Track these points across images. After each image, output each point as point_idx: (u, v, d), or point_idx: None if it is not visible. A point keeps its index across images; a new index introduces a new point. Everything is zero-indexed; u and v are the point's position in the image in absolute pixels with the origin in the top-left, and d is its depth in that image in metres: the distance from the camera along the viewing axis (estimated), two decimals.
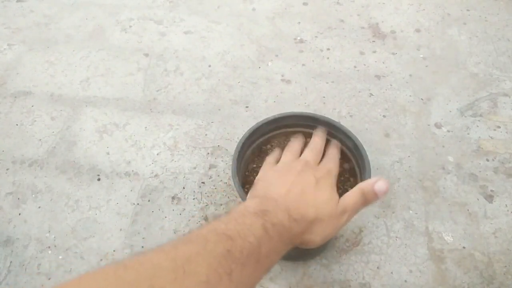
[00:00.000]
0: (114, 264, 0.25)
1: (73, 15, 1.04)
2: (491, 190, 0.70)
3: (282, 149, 0.62)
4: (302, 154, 0.50)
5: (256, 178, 0.47)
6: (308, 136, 0.63)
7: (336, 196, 0.43)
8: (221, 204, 0.68)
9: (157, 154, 0.75)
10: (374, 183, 0.42)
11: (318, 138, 0.55)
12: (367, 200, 0.42)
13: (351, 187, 0.58)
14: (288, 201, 0.38)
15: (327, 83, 0.87)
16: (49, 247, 0.63)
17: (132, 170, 0.73)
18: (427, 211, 0.68)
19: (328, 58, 0.93)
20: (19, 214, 0.67)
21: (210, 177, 0.72)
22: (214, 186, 0.71)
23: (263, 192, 0.41)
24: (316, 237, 0.39)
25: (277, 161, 0.51)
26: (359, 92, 0.86)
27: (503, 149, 0.76)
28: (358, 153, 0.56)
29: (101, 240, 0.64)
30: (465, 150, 0.76)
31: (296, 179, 0.42)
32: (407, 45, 0.96)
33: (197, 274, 0.26)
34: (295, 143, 0.54)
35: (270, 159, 0.52)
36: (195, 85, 0.87)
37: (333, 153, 0.53)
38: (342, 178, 0.59)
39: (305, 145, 0.61)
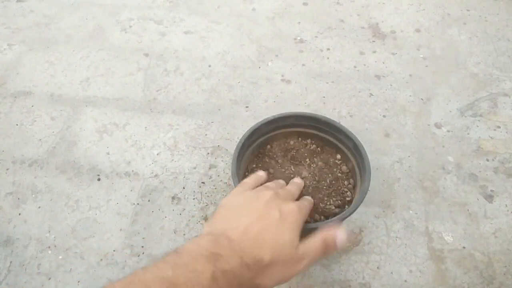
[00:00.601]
0: None
1: (73, 15, 1.04)
2: (491, 190, 0.70)
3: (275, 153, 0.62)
4: (274, 186, 0.48)
5: (223, 201, 0.44)
6: (306, 136, 0.63)
7: (297, 239, 0.40)
8: None
9: (157, 154, 0.75)
10: (336, 234, 0.41)
11: (294, 185, 0.52)
12: (327, 249, 0.41)
13: (350, 189, 0.58)
14: (243, 242, 0.36)
15: (327, 83, 0.87)
16: (49, 247, 0.63)
17: (132, 170, 0.73)
18: (427, 211, 0.68)
19: (328, 58, 0.93)
20: (19, 214, 0.67)
21: (210, 177, 0.72)
22: (214, 186, 0.71)
23: (221, 226, 0.38)
24: (268, 281, 0.37)
25: (257, 186, 0.49)
26: (359, 92, 0.86)
27: (503, 149, 0.76)
28: (358, 153, 0.56)
29: (101, 240, 0.64)
30: (465, 150, 0.76)
31: (259, 213, 0.39)
32: (407, 45, 0.96)
33: None
34: (273, 184, 0.51)
35: (249, 180, 0.50)
36: (195, 85, 0.87)
37: (306, 201, 0.50)
38: (341, 178, 0.59)
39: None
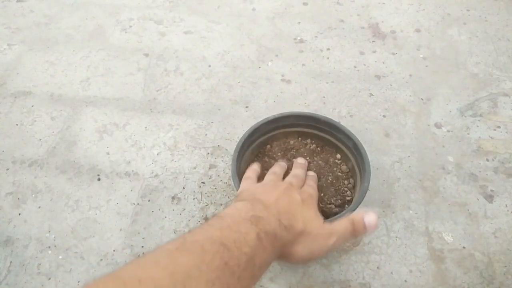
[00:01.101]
0: (112, 278, 0.24)
1: (73, 15, 1.04)
2: (491, 190, 0.70)
3: (275, 152, 0.62)
4: (285, 178, 0.50)
5: (239, 190, 0.46)
6: (306, 136, 0.63)
7: (321, 218, 0.42)
8: (221, 204, 0.68)
9: (157, 154, 0.75)
10: (365, 215, 0.42)
11: (300, 168, 0.54)
12: (356, 231, 0.42)
13: (350, 189, 0.58)
14: (278, 207, 0.38)
15: (327, 83, 0.87)
16: (49, 247, 0.63)
17: (132, 170, 0.73)
18: (427, 211, 0.68)
19: (328, 58, 0.93)
20: (19, 214, 0.67)
21: (210, 177, 0.72)
22: (214, 186, 0.71)
23: (253, 195, 0.40)
24: (303, 249, 0.38)
25: (257, 177, 0.50)
26: (359, 92, 0.86)
27: (503, 149, 0.76)
28: (358, 153, 0.56)
29: (101, 240, 0.64)
30: (465, 150, 0.76)
31: (282, 194, 0.41)
32: (407, 45, 0.96)
33: None
34: (277, 168, 0.53)
35: (249, 173, 0.51)
36: (195, 85, 0.87)
37: (313, 181, 0.52)
38: (341, 177, 0.59)
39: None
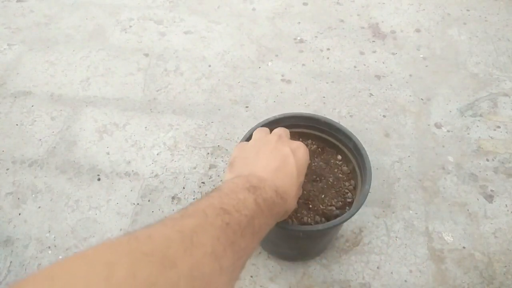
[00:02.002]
0: (125, 236, 0.25)
1: (73, 15, 1.04)
2: (491, 190, 0.70)
3: None
4: (273, 131, 0.50)
5: (232, 157, 0.47)
6: (306, 137, 0.63)
7: (305, 169, 0.45)
8: None
9: (157, 154, 0.75)
10: None
11: (281, 129, 0.54)
12: None
13: (351, 190, 0.58)
14: (274, 179, 0.39)
15: (327, 83, 0.87)
16: (49, 247, 0.63)
17: (132, 170, 0.73)
18: (427, 211, 0.68)
19: (328, 58, 0.93)
20: (19, 214, 0.67)
21: (210, 177, 0.72)
22: (214, 186, 0.71)
23: (245, 170, 0.41)
24: (292, 205, 0.42)
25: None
26: (359, 92, 0.86)
27: (503, 149, 0.76)
28: (358, 153, 0.56)
29: (101, 240, 0.64)
30: (465, 150, 0.76)
31: (273, 153, 0.43)
32: (407, 45, 0.96)
33: (204, 246, 0.27)
34: (263, 129, 0.54)
35: (240, 141, 0.53)
36: (195, 85, 0.87)
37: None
38: (341, 178, 0.59)
39: None
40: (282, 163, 0.41)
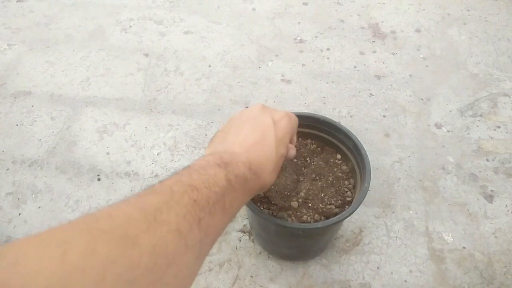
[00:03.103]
0: (84, 216, 0.24)
1: (73, 15, 1.04)
2: (491, 190, 0.70)
3: None
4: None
5: (218, 130, 0.46)
6: (306, 136, 0.63)
7: (286, 143, 0.43)
8: None
9: (157, 154, 0.75)
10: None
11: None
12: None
13: (350, 189, 0.58)
14: (248, 154, 0.38)
15: (327, 83, 0.87)
16: None
17: (132, 170, 0.73)
18: (427, 211, 0.68)
19: (328, 58, 0.93)
20: (19, 214, 0.67)
21: None
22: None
23: (221, 146, 0.40)
24: (269, 178, 0.40)
25: None
26: (359, 92, 0.86)
27: (503, 149, 0.76)
28: (358, 153, 0.56)
29: None
30: (465, 150, 0.76)
31: (253, 123, 0.41)
32: (407, 45, 0.96)
33: (168, 223, 0.26)
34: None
35: None
36: (195, 85, 0.87)
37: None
38: (341, 178, 0.59)
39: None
40: (260, 136, 0.40)
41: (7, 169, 0.73)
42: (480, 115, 0.82)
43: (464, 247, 0.63)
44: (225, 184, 0.32)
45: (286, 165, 0.60)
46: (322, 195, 0.56)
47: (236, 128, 0.42)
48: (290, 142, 0.46)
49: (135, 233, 0.24)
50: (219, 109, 0.82)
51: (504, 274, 0.61)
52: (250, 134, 0.40)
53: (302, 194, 0.56)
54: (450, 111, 0.82)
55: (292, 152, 0.45)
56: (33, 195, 0.69)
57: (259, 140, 0.40)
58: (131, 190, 0.70)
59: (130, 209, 0.26)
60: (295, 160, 0.61)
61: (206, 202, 0.30)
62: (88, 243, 0.21)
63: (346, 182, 0.58)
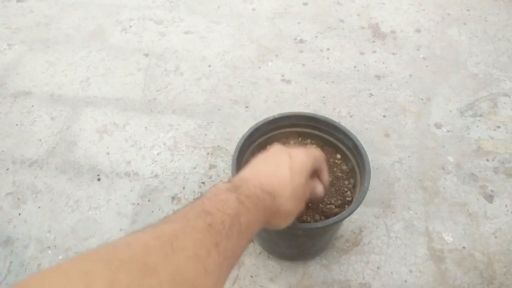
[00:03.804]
0: (102, 246, 0.25)
1: (73, 15, 1.04)
2: (491, 190, 0.70)
3: None
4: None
5: None
6: (306, 136, 0.63)
7: (303, 178, 0.42)
8: None
9: (157, 154, 0.75)
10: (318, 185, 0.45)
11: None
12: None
13: (350, 189, 0.58)
14: (260, 177, 0.39)
15: (327, 83, 0.87)
16: (49, 247, 0.63)
17: (132, 170, 0.73)
18: (427, 211, 0.68)
19: (328, 58, 0.93)
20: (19, 214, 0.67)
21: (210, 177, 0.72)
22: (214, 186, 0.71)
23: (235, 178, 0.41)
24: (286, 204, 0.39)
25: None
26: (359, 92, 0.86)
27: (503, 149, 0.76)
28: (358, 153, 0.56)
29: (101, 240, 0.64)
30: (465, 150, 0.76)
31: (269, 160, 0.42)
32: (407, 45, 0.96)
33: (186, 249, 0.26)
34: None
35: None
36: (195, 85, 0.87)
37: (317, 149, 0.51)
38: (341, 177, 0.59)
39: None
40: (274, 167, 0.41)
41: (7, 169, 0.73)
42: (480, 115, 0.82)
43: (464, 247, 0.63)
44: (238, 205, 0.33)
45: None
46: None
47: (252, 165, 0.42)
48: (320, 179, 0.46)
49: (154, 262, 0.24)
50: (219, 109, 0.82)
51: (504, 274, 0.61)
52: (264, 166, 0.41)
53: None
54: (450, 111, 0.82)
55: (319, 188, 0.45)
56: (33, 195, 0.69)
57: (272, 171, 0.40)
58: (131, 190, 0.70)
59: (147, 237, 0.26)
60: None
61: (221, 225, 0.30)
62: (110, 274, 0.22)
63: (346, 182, 0.58)
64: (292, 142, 0.63)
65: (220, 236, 0.29)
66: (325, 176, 0.47)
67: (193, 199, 0.33)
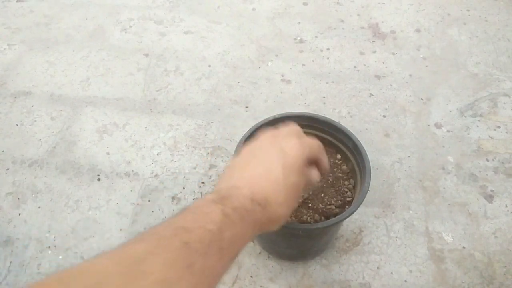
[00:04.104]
0: (57, 275, 0.23)
1: (73, 15, 1.04)
2: (491, 190, 0.70)
3: None
4: (276, 130, 0.45)
5: (227, 165, 0.44)
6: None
7: (297, 175, 0.39)
8: None
9: (157, 154, 0.75)
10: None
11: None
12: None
13: (350, 189, 0.58)
14: (251, 183, 0.36)
15: (327, 83, 0.87)
16: (49, 247, 0.63)
17: (132, 170, 0.73)
18: (427, 211, 0.68)
19: (328, 58, 0.93)
20: (19, 214, 0.67)
21: (210, 177, 0.72)
22: (214, 186, 0.71)
23: (225, 184, 0.38)
24: (280, 210, 0.36)
25: None
26: (359, 92, 0.86)
27: (503, 149, 0.76)
28: (358, 153, 0.56)
29: (101, 240, 0.64)
30: (465, 150, 0.76)
31: (260, 158, 0.39)
32: (407, 45, 0.96)
33: (152, 274, 0.24)
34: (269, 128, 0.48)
35: (239, 141, 0.49)
36: (195, 85, 0.87)
37: (313, 139, 0.46)
38: (341, 177, 0.59)
39: None
40: (266, 168, 0.37)
41: (7, 169, 0.73)
42: (480, 115, 0.82)
43: (464, 247, 0.63)
44: (222, 218, 0.30)
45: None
46: (322, 195, 0.56)
47: (242, 163, 0.39)
48: (316, 164, 0.43)
49: None
50: (219, 109, 0.82)
51: (504, 274, 0.61)
52: (255, 167, 0.38)
53: (301, 194, 0.56)
54: (450, 111, 0.82)
55: (314, 175, 0.42)
56: (33, 195, 0.69)
57: (264, 173, 0.37)
58: (131, 190, 0.70)
59: (106, 263, 0.24)
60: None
61: (199, 243, 0.27)
62: None
63: (346, 182, 0.58)
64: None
65: (197, 254, 0.27)
66: (324, 164, 0.44)
67: (179, 210, 0.31)
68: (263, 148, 0.40)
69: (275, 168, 0.37)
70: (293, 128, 0.44)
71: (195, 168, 0.73)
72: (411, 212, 0.67)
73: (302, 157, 0.39)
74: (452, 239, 0.64)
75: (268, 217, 0.35)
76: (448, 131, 0.79)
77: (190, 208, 0.31)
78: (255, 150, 0.41)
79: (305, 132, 0.63)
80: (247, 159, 0.40)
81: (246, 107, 0.83)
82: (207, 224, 0.29)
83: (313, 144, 0.42)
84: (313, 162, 0.43)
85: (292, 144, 0.40)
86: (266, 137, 0.41)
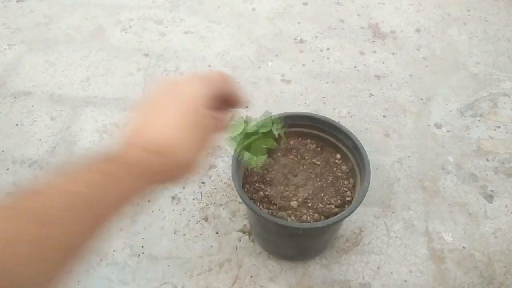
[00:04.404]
0: None
1: (73, 15, 1.04)
2: (491, 190, 0.70)
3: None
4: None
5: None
6: (306, 136, 0.63)
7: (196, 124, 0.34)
8: (221, 204, 0.68)
9: None
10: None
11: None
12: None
13: (350, 189, 0.58)
14: (145, 135, 0.33)
15: (327, 83, 0.87)
16: None
17: None
18: (427, 211, 0.68)
19: (328, 58, 0.93)
20: None
21: (210, 177, 0.72)
22: (214, 186, 0.71)
23: (123, 140, 0.34)
24: (184, 153, 0.33)
25: None
26: (359, 92, 0.86)
27: (503, 149, 0.76)
28: (358, 153, 0.56)
29: (101, 240, 0.64)
30: (465, 150, 0.76)
31: (157, 106, 0.35)
32: (407, 45, 0.96)
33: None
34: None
35: None
36: None
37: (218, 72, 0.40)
38: (340, 177, 0.59)
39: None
40: (160, 114, 0.35)
41: (7, 169, 0.73)
42: (480, 115, 0.82)
43: (464, 247, 0.63)
44: (99, 178, 0.27)
45: (287, 165, 0.60)
46: (322, 194, 0.56)
47: (138, 117, 0.36)
48: (232, 104, 0.39)
49: None
50: None
51: (504, 274, 0.61)
52: (151, 117, 0.35)
53: (301, 193, 0.56)
54: (450, 111, 0.82)
55: (219, 123, 0.37)
56: None
57: (159, 119, 0.34)
58: None
59: None
60: (295, 158, 0.60)
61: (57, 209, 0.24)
62: None
63: (346, 182, 0.58)
64: (292, 142, 0.63)
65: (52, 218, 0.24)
66: (235, 96, 0.40)
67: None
68: (159, 96, 0.37)
69: (170, 112, 0.34)
70: (195, 73, 0.39)
71: None
72: (411, 212, 0.67)
73: (201, 95, 0.35)
74: (452, 239, 0.64)
75: (167, 163, 0.33)
76: (448, 131, 0.79)
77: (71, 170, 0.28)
78: (151, 101, 0.37)
79: (305, 132, 0.63)
80: (143, 112, 0.37)
81: (246, 107, 0.83)
82: (73, 187, 0.26)
83: (216, 78, 0.38)
84: (225, 100, 0.39)
85: (188, 84, 0.36)
86: (163, 86, 0.37)
